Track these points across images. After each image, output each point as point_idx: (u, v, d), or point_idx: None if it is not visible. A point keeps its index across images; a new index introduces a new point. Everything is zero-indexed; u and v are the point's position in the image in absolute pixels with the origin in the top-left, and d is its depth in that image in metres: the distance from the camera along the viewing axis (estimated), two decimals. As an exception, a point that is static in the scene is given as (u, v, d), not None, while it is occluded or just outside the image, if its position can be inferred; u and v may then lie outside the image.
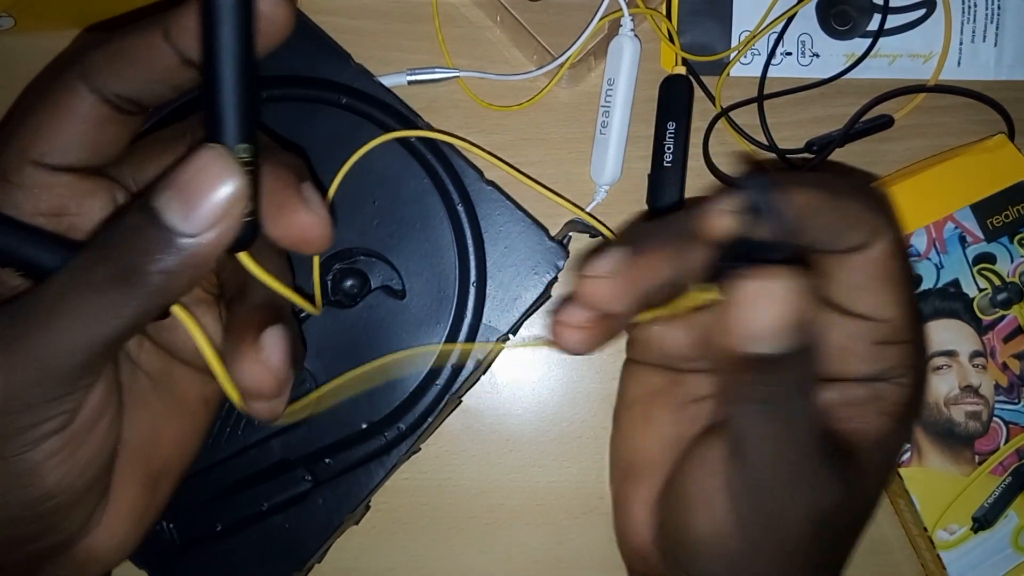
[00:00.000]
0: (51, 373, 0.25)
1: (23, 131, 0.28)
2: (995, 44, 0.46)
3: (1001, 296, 0.43)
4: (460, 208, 0.40)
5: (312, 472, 0.39)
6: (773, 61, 0.46)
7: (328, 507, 0.39)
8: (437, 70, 0.45)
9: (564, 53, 0.43)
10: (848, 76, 0.46)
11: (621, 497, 0.33)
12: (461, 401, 0.44)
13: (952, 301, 0.43)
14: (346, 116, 0.40)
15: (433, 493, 0.46)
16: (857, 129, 0.46)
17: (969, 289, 0.43)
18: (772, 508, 0.26)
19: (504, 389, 0.46)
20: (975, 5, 0.46)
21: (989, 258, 0.43)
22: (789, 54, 0.46)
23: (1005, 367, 0.42)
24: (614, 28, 0.44)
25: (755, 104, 0.46)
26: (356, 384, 0.33)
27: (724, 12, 0.46)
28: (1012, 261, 0.43)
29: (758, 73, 0.46)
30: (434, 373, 0.40)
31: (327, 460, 0.39)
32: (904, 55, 0.46)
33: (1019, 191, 0.43)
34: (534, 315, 0.44)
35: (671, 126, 0.45)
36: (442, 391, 0.40)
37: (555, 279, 0.40)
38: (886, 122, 0.46)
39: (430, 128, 0.40)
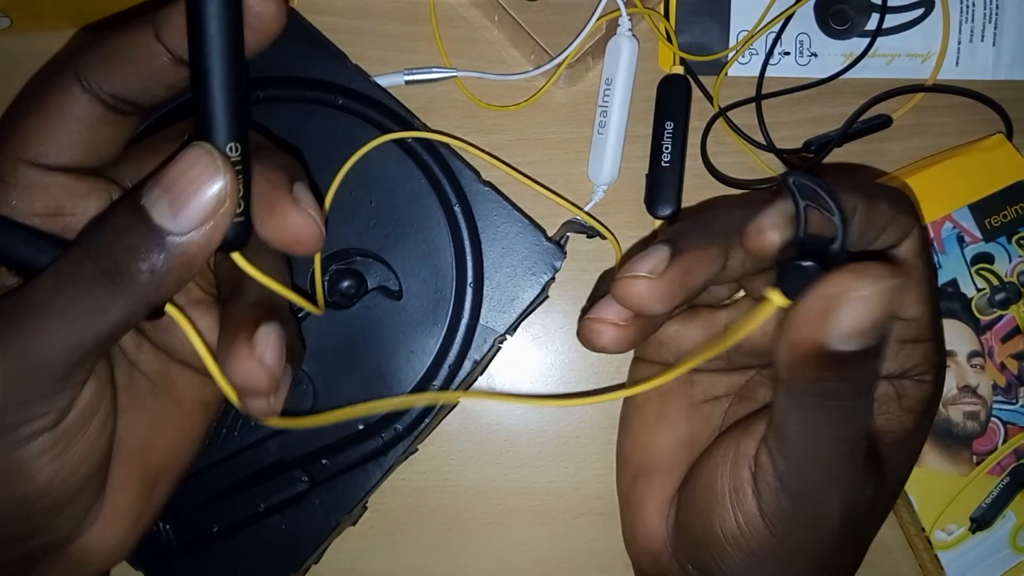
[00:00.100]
0: (41, 370, 0.25)
1: (18, 131, 0.28)
2: (993, 44, 0.46)
3: (999, 296, 0.43)
4: (457, 209, 0.40)
5: (309, 473, 0.39)
6: (771, 61, 0.46)
7: (325, 508, 0.39)
8: (434, 70, 0.45)
9: (562, 53, 0.43)
10: (846, 76, 0.46)
11: (632, 497, 0.33)
12: (459, 401, 0.44)
13: (950, 301, 0.43)
14: (343, 117, 0.40)
15: (431, 494, 0.46)
16: (855, 129, 0.46)
17: (967, 289, 0.43)
18: (810, 502, 0.27)
19: (502, 390, 0.46)
20: (973, 5, 0.46)
21: (987, 258, 0.43)
22: (787, 54, 0.46)
23: (1003, 367, 0.42)
24: (612, 28, 0.44)
25: (753, 104, 0.46)
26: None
27: (722, 12, 0.46)
28: (1010, 261, 0.43)
29: (756, 73, 0.46)
30: (431, 374, 0.40)
31: (324, 461, 0.39)
32: (902, 55, 0.46)
33: (1017, 191, 0.43)
34: (531, 316, 0.44)
35: (669, 126, 0.44)
36: (439, 392, 0.40)
37: (552, 279, 0.40)
38: (884, 122, 0.46)
39: (427, 129, 0.40)
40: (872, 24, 0.45)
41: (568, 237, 0.42)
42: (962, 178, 0.43)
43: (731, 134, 0.46)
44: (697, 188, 0.46)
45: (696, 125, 0.46)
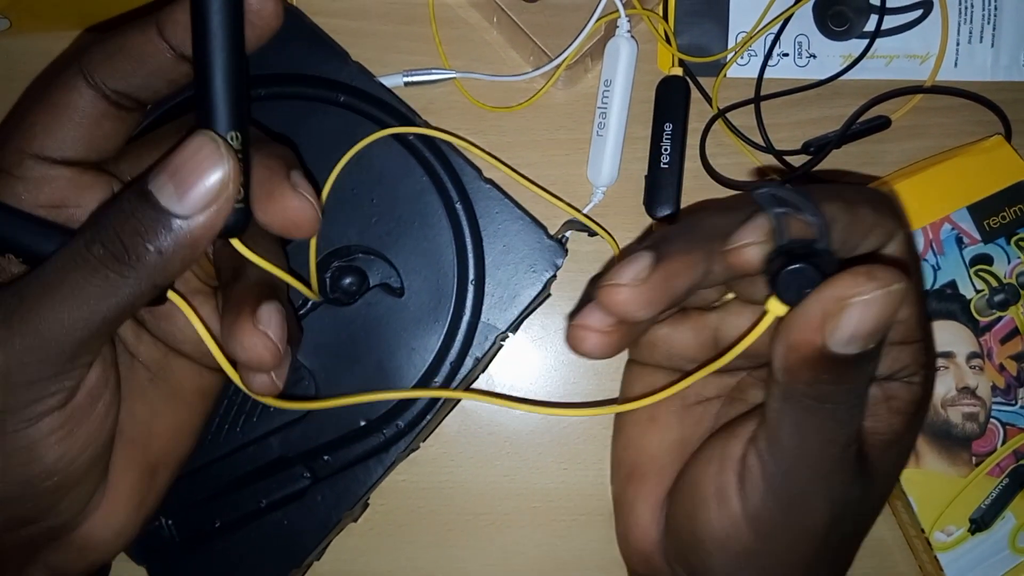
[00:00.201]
0: (51, 351, 0.25)
1: (24, 126, 0.29)
2: (992, 45, 0.47)
3: (998, 297, 0.43)
4: (459, 206, 0.40)
5: (311, 469, 0.39)
6: (770, 62, 0.46)
7: (327, 504, 0.39)
8: (434, 71, 0.45)
9: (561, 54, 0.43)
10: (845, 77, 0.46)
11: (625, 498, 0.33)
12: (460, 399, 0.44)
13: (949, 302, 0.43)
14: (344, 114, 0.40)
15: (431, 495, 0.46)
16: (854, 130, 0.46)
17: (966, 290, 0.43)
18: (797, 504, 0.27)
19: (502, 390, 0.46)
20: (972, 6, 0.46)
21: (986, 259, 0.43)
22: (786, 55, 0.46)
23: (1002, 368, 0.43)
24: (611, 29, 0.44)
25: (752, 105, 0.46)
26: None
27: (721, 13, 0.46)
28: (1009, 262, 0.43)
29: (755, 74, 0.46)
30: (432, 371, 0.40)
31: (326, 457, 0.39)
32: (901, 56, 0.46)
33: (1016, 192, 0.43)
34: (531, 317, 0.44)
35: (668, 127, 0.45)
36: (440, 388, 0.40)
37: (554, 277, 0.40)
38: (883, 123, 0.46)
39: (428, 126, 0.41)
40: (871, 25, 0.46)
41: (569, 235, 0.43)
42: (961, 179, 0.43)
43: (730, 135, 0.46)
44: (696, 189, 0.46)
45: (695, 126, 0.46)
